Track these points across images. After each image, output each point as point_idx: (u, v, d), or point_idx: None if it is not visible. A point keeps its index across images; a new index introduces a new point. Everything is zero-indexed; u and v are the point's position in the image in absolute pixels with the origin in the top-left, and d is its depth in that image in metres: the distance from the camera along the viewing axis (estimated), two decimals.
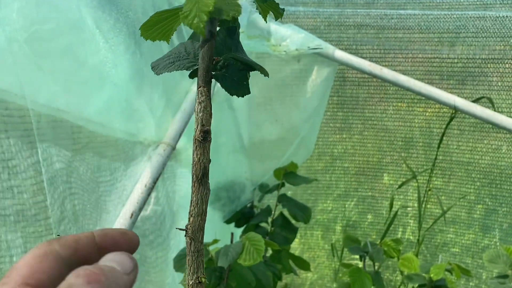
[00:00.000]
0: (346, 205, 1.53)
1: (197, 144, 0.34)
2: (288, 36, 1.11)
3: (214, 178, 1.10)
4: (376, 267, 1.13)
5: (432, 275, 1.03)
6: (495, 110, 1.11)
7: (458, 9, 1.13)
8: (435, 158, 1.26)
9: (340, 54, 1.14)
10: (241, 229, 1.21)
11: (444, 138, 1.23)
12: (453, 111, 1.12)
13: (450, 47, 1.19)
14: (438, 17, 1.15)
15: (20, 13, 0.64)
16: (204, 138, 0.34)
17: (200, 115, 0.33)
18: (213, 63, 0.33)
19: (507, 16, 1.09)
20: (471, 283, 1.44)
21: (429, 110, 1.33)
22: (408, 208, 1.48)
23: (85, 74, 0.76)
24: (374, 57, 1.22)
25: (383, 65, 1.14)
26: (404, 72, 1.17)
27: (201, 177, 0.35)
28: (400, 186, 1.35)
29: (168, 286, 0.99)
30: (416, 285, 1.11)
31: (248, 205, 1.26)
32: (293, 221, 1.16)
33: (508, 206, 1.35)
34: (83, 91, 0.76)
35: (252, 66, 0.35)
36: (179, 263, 0.89)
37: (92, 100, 0.78)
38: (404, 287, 1.32)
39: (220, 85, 0.36)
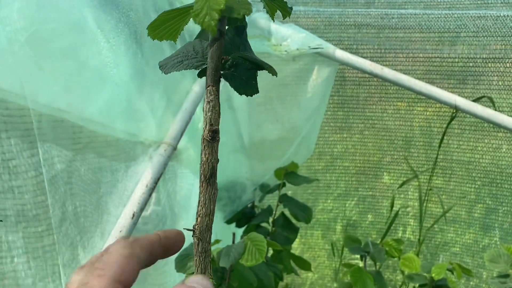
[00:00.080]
0: (347, 205, 1.53)
1: (206, 144, 0.34)
2: (288, 36, 1.10)
3: None
4: (377, 267, 1.13)
5: (433, 275, 1.03)
6: (496, 110, 1.11)
7: (458, 9, 1.13)
8: (436, 158, 1.26)
9: (341, 54, 1.13)
10: (242, 229, 1.21)
11: (445, 137, 1.23)
12: (454, 111, 1.12)
13: (451, 46, 1.19)
14: (439, 16, 1.15)
15: (20, 13, 0.63)
16: (212, 138, 0.33)
17: (209, 114, 0.33)
18: (222, 62, 0.33)
19: (508, 15, 1.09)
20: (471, 282, 1.44)
21: (429, 110, 1.33)
22: (408, 208, 1.48)
23: (86, 74, 0.75)
24: (374, 57, 1.22)
25: (383, 65, 1.14)
26: (404, 72, 1.17)
27: (209, 177, 0.35)
28: (401, 186, 1.35)
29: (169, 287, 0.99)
30: (417, 285, 1.11)
31: (249, 205, 1.26)
32: (293, 221, 1.16)
33: (509, 205, 1.35)
34: (84, 91, 0.76)
35: (260, 65, 0.34)
36: (180, 263, 0.89)
37: (93, 100, 0.78)
38: (405, 287, 1.32)
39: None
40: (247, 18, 1.14)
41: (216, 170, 0.36)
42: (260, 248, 0.85)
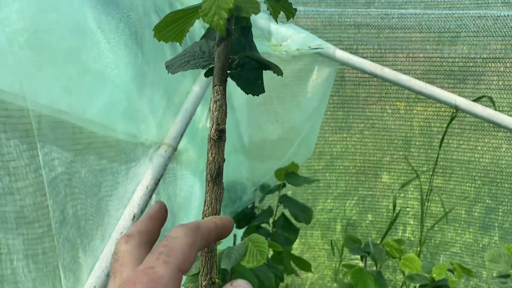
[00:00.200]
0: (347, 204, 1.53)
1: (212, 143, 0.33)
2: (288, 36, 1.10)
3: None
4: (378, 267, 1.12)
5: (434, 275, 1.03)
6: (496, 109, 1.11)
7: (459, 8, 1.13)
8: (437, 158, 1.26)
9: (341, 54, 1.13)
10: (243, 230, 1.21)
11: (445, 137, 1.23)
12: (454, 111, 1.12)
13: (451, 46, 1.19)
14: (439, 16, 1.15)
15: (20, 13, 0.63)
16: (219, 137, 0.33)
17: (216, 114, 0.32)
18: (228, 62, 0.32)
19: (508, 15, 1.09)
20: (471, 282, 1.44)
21: (429, 109, 1.33)
22: (408, 208, 1.48)
23: (86, 75, 0.75)
24: (374, 57, 1.22)
25: (383, 65, 1.13)
26: (405, 72, 1.17)
27: (215, 177, 0.34)
28: (402, 187, 1.35)
29: None
30: (418, 285, 1.11)
31: (249, 206, 1.26)
32: (293, 222, 1.15)
33: (509, 204, 1.35)
34: (84, 92, 0.75)
35: (267, 65, 0.34)
36: None
37: (93, 101, 0.77)
38: (406, 287, 1.32)
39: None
40: None
41: (223, 169, 0.35)
42: (261, 250, 0.85)
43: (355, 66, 1.14)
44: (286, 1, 0.37)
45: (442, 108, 1.28)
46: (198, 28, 0.89)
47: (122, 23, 0.77)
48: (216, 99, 0.32)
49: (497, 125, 1.09)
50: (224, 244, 0.94)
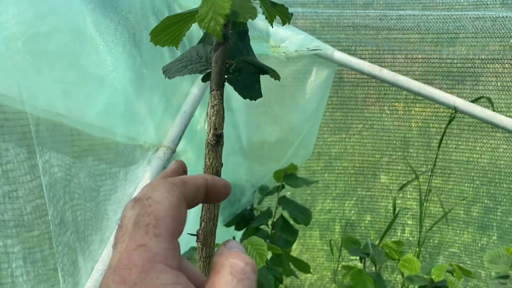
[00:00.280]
0: (345, 205, 1.53)
1: (210, 148, 0.33)
2: (287, 38, 1.10)
3: None
4: (377, 269, 1.12)
5: (433, 277, 1.03)
6: (494, 110, 1.11)
7: (457, 10, 1.13)
8: (436, 158, 1.26)
9: (339, 55, 1.13)
10: (241, 232, 1.21)
11: (444, 137, 1.23)
12: (453, 112, 1.12)
13: (449, 47, 1.19)
14: (438, 17, 1.15)
15: (17, 17, 0.63)
16: (217, 142, 0.33)
17: (213, 118, 0.32)
18: (225, 67, 0.32)
19: (506, 17, 1.09)
20: (470, 283, 1.44)
21: (427, 110, 1.33)
22: (407, 208, 1.48)
23: (84, 78, 0.75)
24: (373, 58, 1.22)
25: (382, 66, 1.14)
26: (403, 73, 1.17)
27: None
28: (401, 188, 1.35)
29: None
30: (417, 286, 1.11)
31: (248, 208, 1.26)
32: (291, 222, 1.15)
33: (507, 204, 1.36)
34: (83, 95, 0.75)
35: (264, 70, 0.34)
36: None
37: (92, 104, 0.77)
38: None
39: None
40: None
41: (220, 174, 0.35)
42: (260, 252, 0.84)
43: (353, 67, 1.14)
44: (282, 6, 0.37)
45: (441, 109, 1.28)
46: (196, 31, 0.88)
47: (120, 25, 0.77)
48: (213, 104, 0.32)
49: (496, 126, 1.09)
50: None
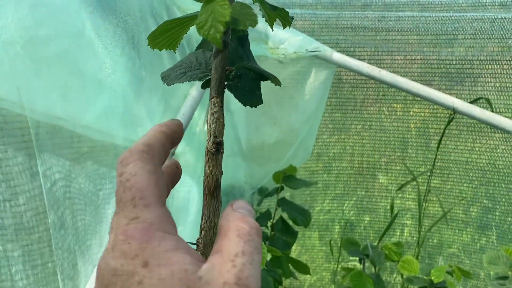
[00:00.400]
0: (345, 205, 1.53)
1: (210, 156, 0.33)
2: (286, 39, 1.10)
3: None
4: (376, 270, 1.12)
5: (433, 278, 1.03)
6: (493, 111, 1.11)
7: (456, 11, 1.13)
8: (435, 159, 1.26)
9: (338, 57, 1.13)
10: None
11: (442, 138, 1.23)
12: (452, 113, 1.12)
13: (448, 48, 1.19)
14: (436, 18, 1.15)
15: (16, 20, 0.62)
16: (217, 150, 0.33)
17: (213, 126, 0.32)
18: (225, 73, 0.32)
19: (505, 18, 1.09)
20: (468, 283, 1.44)
21: (426, 111, 1.34)
22: (405, 209, 1.48)
23: (83, 81, 0.75)
24: (372, 59, 1.22)
25: (381, 67, 1.14)
26: (402, 74, 1.17)
27: (213, 190, 0.34)
28: (399, 188, 1.35)
29: None
30: (417, 287, 1.11)
31: None
32: (290, 223, 1.15)
33: (506, 204, 1.36)
34: (82, 98, 0.75)
35: (265, 76, 0.34)
36: None
37: (91, 106, 0.77)
38: None
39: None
40: None
41: (220, 182, 0.35)
42: None
43: (352, 68, 1.14)
44: (282, 9, 0.37)
45: (439, 110, 1.29)
46: (195, 33, 0.88)
47: (119, 28, 0.77)
48: (213, 111, 0.32)
49: (495, 127, 1.09)
50: None
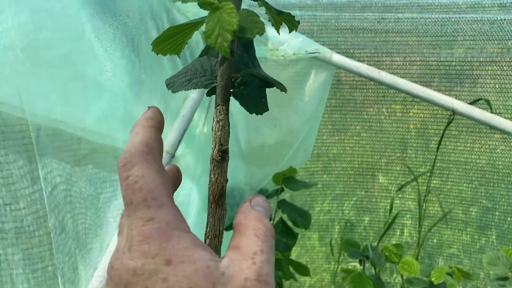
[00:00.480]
0: (345, 206, 1.53)
1: (215, 164, 0.33)
2: (285, 41, 1.10)
3: None
4: (376, 271, 1.12)
5: (433, 279, 1.03)
6: (492, 112, 1.11)
7: (455, 12, 1.13)
8: (435, 160, 1.26)
9: (338, 58, 1.13)
10: None
11: (442, 139, 1.23)
12: (451, 114, 1.12)
13: (448, 50, 1.19)
14: (436, 20, 1.15)
15: (16, 24, 0.62)
16: (222, 158, 0.33)
17: (218, 134, 0.32)
18: (231, 81, 0.32)
19: (504, 19, 1.10)
20: (468, 284, 1.45)
21: (425, 112, 1.34)
22: (405, 209, 1.48)
23: (83, 84, 0.74)
24: (371, 61, 1.22)
25: (380, 68, 1.14)
26: (401, 75, 1.17)
27: (218, 198, 0.34)
28: (399, 189, 1.36)
29: None
30: None
31: None
32: (290, 225, 1.15)
33: (505, 205, 1.36)
34: (82, 101, 0.75)
35: (270, 83, 0.34)
36: None
37: (91, 109, 0.77)
38: None
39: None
40: None
41: (225, 190, 0.35)
42: None
43: (352, 70, 1.14)
44: (289, 14, 0.37)
45: (439, 111, 1.29)
46: (194, 35, 0.88)
47: (119, 31, 0.77)
48: (219, 119, 0.32)
49: (494, 128, 1.09)
50: (222, 251, 0.94)
